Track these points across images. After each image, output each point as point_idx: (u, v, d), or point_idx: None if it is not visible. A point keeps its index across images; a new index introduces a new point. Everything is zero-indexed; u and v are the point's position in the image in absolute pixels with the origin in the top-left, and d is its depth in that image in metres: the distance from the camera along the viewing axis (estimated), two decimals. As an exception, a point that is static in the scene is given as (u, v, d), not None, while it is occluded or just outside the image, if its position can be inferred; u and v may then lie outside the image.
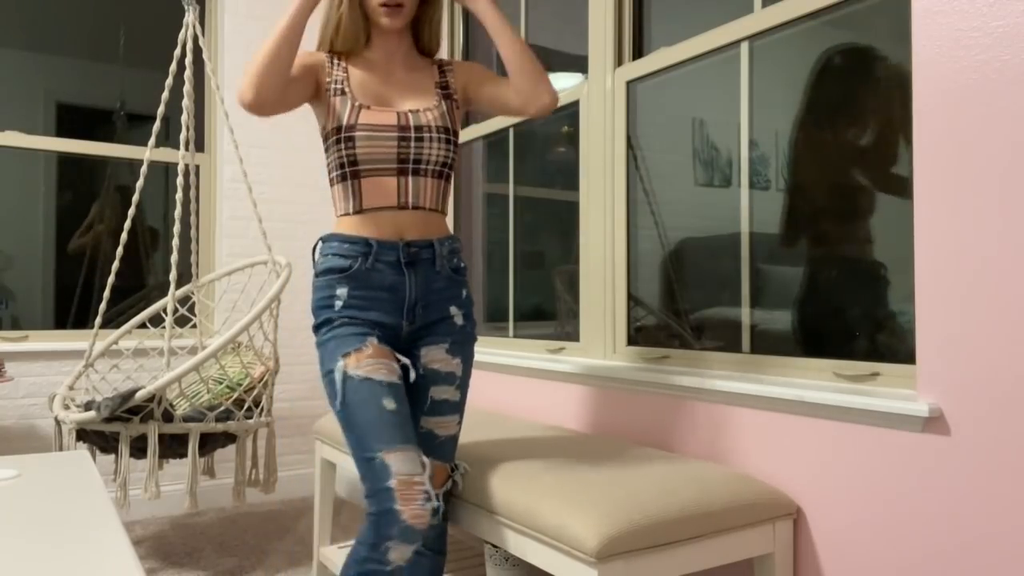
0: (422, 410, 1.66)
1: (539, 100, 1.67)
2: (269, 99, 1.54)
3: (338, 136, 1.62)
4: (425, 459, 1.51)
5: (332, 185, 1.70)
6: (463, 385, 1.70)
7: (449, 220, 3.22)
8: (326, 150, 1.68)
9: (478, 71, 1.79)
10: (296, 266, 3.65)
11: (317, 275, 1.66)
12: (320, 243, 1.69)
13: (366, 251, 1.62)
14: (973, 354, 1.37)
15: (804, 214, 1.82)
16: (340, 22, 1.69)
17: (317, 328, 1.63)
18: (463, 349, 1.69)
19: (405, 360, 1.63)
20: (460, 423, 1.71)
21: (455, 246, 1.72)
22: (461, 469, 1.73)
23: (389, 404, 1.50)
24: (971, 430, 1.38)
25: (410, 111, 1.66)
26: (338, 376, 1.54)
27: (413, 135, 1.64)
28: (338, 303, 1.60)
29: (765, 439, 1.76)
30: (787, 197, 1.86)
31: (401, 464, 1.45)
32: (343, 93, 1.65)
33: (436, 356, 1.66)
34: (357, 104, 1.63)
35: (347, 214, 1.66)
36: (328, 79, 1.67)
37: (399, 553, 1.42)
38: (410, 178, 1.64)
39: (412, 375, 1.63)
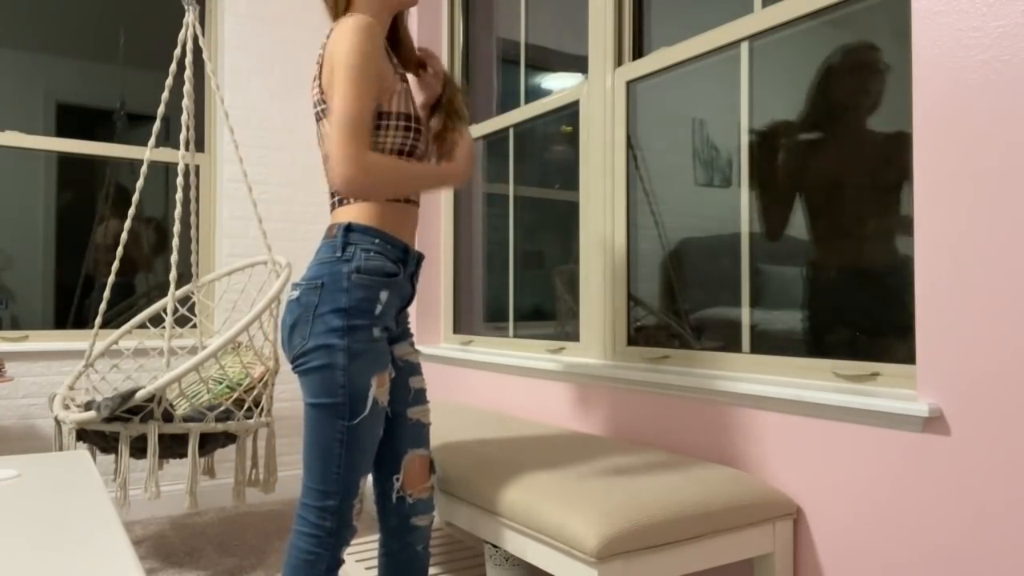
0: (407, 402, 1.67)
1: None
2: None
3: (408, 124, 1.57)
4: None
5: None
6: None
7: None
8: (380, 127, 1.55)
9: None
10: (296, 266, 3.65)
11: (360, 272, 1.50)
12: (352, 233, 1.53)
13: (404, 259, 1.58)
14: (973, 354, 1.37)
15: (808, 214, 1.82)
16: None
17: (350, 330, 1.47)
18: (414, 343, 1.74)
19: None
20: None
21: None
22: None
23: (380, 432, 1.57)
24: (971, 430, 1.38)
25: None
26: (369, 398, 1.49)
27: (427, 134, 1.66)
28: (378, 308, 1.51)
29: (765, 439, 1.76)
30: (789, 196, 1.86)
31: (362, 486, 1.56)
32: (403, 79, 1.60)
33: (406, 350, 1.70)
34: (411, 95, 1.60)
35: (396, 200, 1.58)
36: (392, 60, 1.61)
37: (345, 549, 1.55)
38: None
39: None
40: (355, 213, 1.55)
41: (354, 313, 1.48)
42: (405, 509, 1.67)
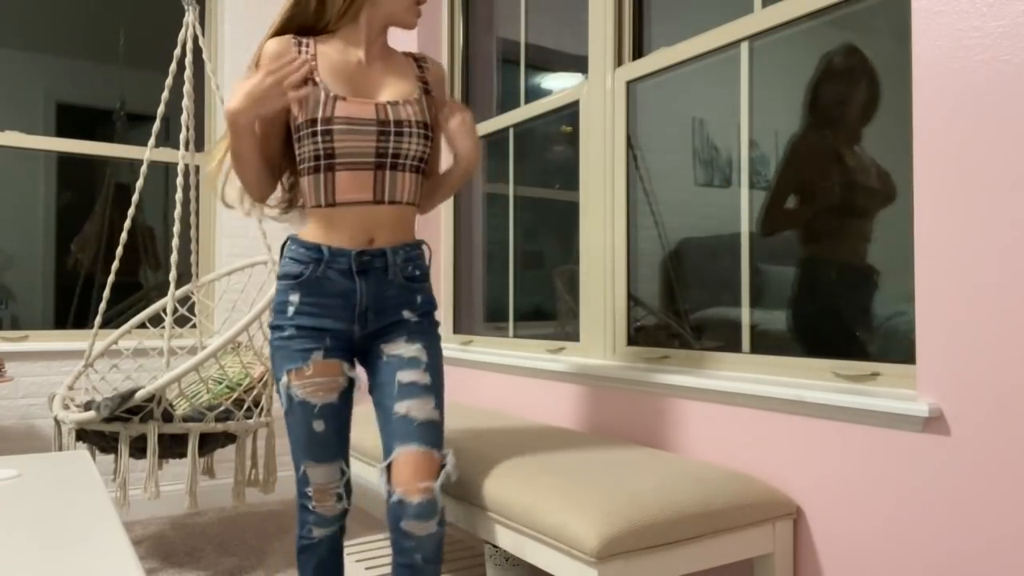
0: (392, 396, 1.63)
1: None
2: (274, 183, 1.75)
3: (313, 129, 1.59)
4: (344, 466, 1.71)
5: (302, 176, 1.66)
6: (431, 369, 1.66)
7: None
8: (297, 140, 1.64)
9: (446, 103, 1.78)
10: (296, 266, 3.65)
11: (278, 279, 1.68)
12: (288, 243, 1.69)
13: (318, 258, 1.62)
14: (973, 354, 1.37)
15: (802, 213, 1.82)
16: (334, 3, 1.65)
17: (271, 329, 1.67)
18: (422, 338, 1.68)
19: (352, 373, 1.69)
20: (439, 408, 1.65)
21: (412, 254, 1.69)
22: (449, 457, 1.65)
23: (318, 426, 1.64)
24: (971, 430, 1.38)
25: (388, 103, 1.63)
26: (283, 389, 1.65)
27: (392, 129, 1.62)
28: (290, 309, 1.63)
29: (765, 439, 1.76)
30: (783, 196, 1.86)
31: (319, 476, 1.67)
32: (314, 83, 1.61)
33: (396, 345, 1.66)
34: (332, 95, 1.59)
35: (317, 206, 1.64)
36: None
37: (320, 531, 1.72)
38: (387, 172, 1.63)
39: (357, 385, 1.72)
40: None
41: (275, 315, 1.67)
42: (396, 510, 1.57)
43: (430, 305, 1.73)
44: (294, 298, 1.63)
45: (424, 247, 1.74)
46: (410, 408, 1.62)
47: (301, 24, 1.70)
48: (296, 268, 1.63)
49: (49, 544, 1.02)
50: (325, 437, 1.65)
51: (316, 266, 1.62)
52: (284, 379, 1.63)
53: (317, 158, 1.61)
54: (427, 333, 1.70)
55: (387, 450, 1.63)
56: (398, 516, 1.58)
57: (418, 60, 1.78)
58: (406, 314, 1.68)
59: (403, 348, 1.66)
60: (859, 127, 1.72)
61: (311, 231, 1.66)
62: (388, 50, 1.76)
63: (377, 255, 1.64)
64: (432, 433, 1.63)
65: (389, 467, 1.60)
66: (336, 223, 1.63)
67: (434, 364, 1.68)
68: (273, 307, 1.68)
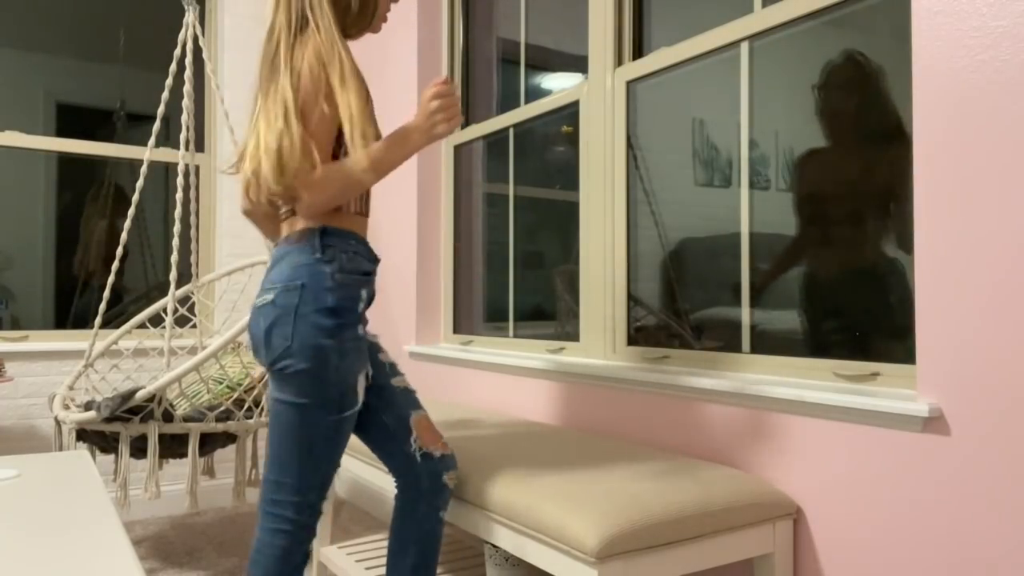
0: (387, 374, 1.71)
1: None
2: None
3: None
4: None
5: None
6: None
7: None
8: (340, 145, 1.56)
9: None
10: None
11: (343, 271, 1.53)
12: (329, 236, 1.55)
13: (375, 259, 1.64)
14: (973, 354, 1.37)
15: (806, 214, 1.82)
16: (371, 5, 1.63)
17: (339, 328, 1.49)
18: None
19: None
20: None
21: None
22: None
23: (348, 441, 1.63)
24: (971, 430, 1.38)
25: None
26: (359, 393, 1.57)
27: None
28: (360, 306, 1.56)
29: (765, 439, 1.76)
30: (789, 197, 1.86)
31: (329, 485, 1.61)
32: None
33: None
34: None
35: (359, 213, 1.64)
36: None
37: (310, 541, 1.62)
38: None
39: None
40: (325, 219, 1.57)
41: (341, 312, 1.50)
42: (436, 466, 1.68)
43: None
44: (363, 294, 1.57)
45: None
46: (402, 382, 1.74)
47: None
48: (368, 266, 1.60)
49: (49, 544, 1.02)
50: None
51: (376, 266, 1.65)
52: (360, 382, 1.56)
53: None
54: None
55: (403, 419, 1.69)
56: (438, 471, 1.69)
57: None
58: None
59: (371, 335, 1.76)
60: (861, 130, 1.72)
61: (358, 228, 1.63)
62: None
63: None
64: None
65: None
66: (366, 227, 1.67)
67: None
68: (336, 303, 1.49)
